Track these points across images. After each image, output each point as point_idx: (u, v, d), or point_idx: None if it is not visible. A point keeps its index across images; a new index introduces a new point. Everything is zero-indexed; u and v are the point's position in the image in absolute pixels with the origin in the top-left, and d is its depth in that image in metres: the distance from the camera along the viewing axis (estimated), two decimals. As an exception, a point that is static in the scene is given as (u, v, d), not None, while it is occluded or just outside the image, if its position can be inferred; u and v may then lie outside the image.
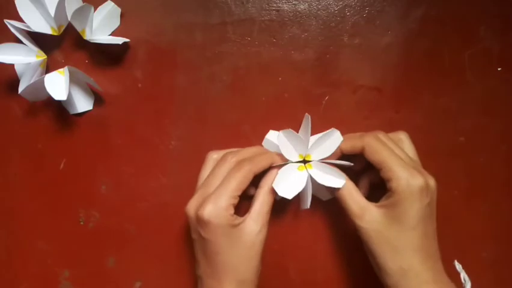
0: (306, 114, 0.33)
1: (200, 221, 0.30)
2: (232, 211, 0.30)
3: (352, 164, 0.33)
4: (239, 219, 0.31)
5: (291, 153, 0.33)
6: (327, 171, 0.32)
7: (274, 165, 0.33)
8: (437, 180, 0.37)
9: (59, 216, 0.39)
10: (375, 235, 0.30)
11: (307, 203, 0.33)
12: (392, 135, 0.33)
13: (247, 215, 0.31)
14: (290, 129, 0.32)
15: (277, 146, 0.33)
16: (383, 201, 0.31)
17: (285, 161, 0.33)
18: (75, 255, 0.39)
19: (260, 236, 0.31)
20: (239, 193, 0.31)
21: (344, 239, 0.37)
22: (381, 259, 0.30)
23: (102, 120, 0.39)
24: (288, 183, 0.32)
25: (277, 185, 0.32)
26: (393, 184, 0.29)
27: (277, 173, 0.32)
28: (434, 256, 0.30)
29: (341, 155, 0.33)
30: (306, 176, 0.33)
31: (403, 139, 0.33)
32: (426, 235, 0.30)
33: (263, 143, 0.37)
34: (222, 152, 0.34)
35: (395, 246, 0.29)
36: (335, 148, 0.32)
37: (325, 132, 0.32)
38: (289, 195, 0.32)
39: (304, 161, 0.34)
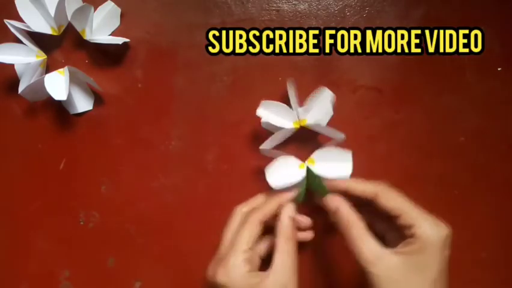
0: (289, 80, 0.33)
1: (216, 285, 0.29)
2: (246, 268, 0.29)
3: (343, 136, 0.32)
4: (259, 276, 0.29)
5: (284, 122, 0.32)
6: (331, 157, 0.32)
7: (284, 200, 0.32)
8: (437, 180, 0.37)
9: (59, 216, 0.39)
10: (390, 284, 0.27)
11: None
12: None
13: (268, 270, 0.29)
14: (267, 101, 0.32)
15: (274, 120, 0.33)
16: (401, 248, 0.29)
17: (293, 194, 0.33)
18: (75, 255, 0.39)
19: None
20: (249, 246, 0.29)
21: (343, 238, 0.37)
22: None
23: (102, 120, 0.39)
24: (283, 175, 0.32)
25: (270, 173, 0.31)
26: (417, 231, 0.28)
27: (289, 215, 0.31)
28: None
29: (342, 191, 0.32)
30: (303, 175, 0.33)
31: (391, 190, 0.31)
32: (444, 287, 0.28)
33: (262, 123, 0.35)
34: (247, 205, 0.33)
35: None
36: (329, 105, 0.32)
37: (314, 93, 0.32)
38: (276, 185, 0.31)
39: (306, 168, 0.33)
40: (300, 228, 0.34)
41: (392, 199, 0.30)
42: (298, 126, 0.33)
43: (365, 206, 0.31)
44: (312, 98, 0.32)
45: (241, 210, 0.33)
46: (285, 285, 0.28)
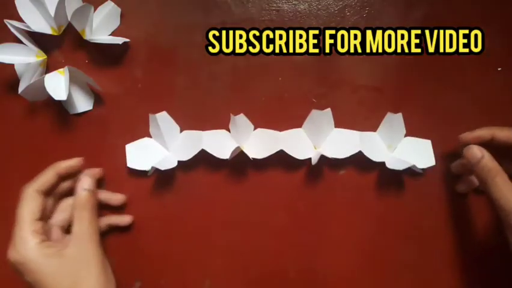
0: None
1: (13, 268, 0.28)
2: (37, 239, 0.29)
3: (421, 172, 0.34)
4: (56, 245, 0.29)
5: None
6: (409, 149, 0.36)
7: (73, 169, 0.34)
8: (437, 180, 0.37)
9: (59, 216, 0.39)
10: None
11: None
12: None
13: (67, 238, 0.30)
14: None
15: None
16: None
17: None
18: (75, 255, 0.39)
19: (86, 253, 0.29)
20: (34, 217, 0.30)
21: (344, 238, 0.37)
22: None
23: (102, 120, 0.39)
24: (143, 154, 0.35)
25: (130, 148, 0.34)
26: None
27: (84, 187, 0.32)
28: None
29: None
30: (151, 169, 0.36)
31: None
32: None
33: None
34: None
35: None
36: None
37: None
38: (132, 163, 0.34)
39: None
40: (112, 206, 0.36)
41: None
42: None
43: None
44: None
45: (26, 187, 0.33)
46: (84, 248, 0.29)
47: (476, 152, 0.31)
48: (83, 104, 0.38)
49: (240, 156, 0.37)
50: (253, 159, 0.35)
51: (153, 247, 0.38)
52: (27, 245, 0.28)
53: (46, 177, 0.32)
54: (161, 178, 0.38)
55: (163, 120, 0.36)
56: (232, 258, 0.37)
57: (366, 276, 0.37)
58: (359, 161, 0.36)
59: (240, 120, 0.35)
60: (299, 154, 0.36)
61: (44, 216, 0.31)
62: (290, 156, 0.36)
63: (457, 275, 0.36)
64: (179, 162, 0.36)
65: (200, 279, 0.37)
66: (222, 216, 0.38)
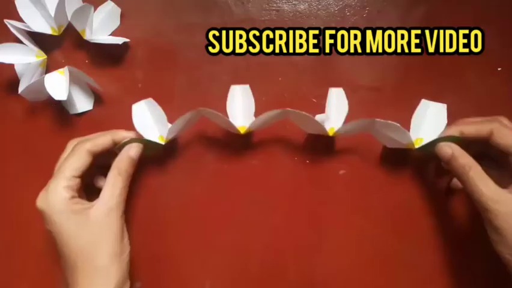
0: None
1: (40, 213, 0.29)
2: (68, 194, 0.29)
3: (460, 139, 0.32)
4: (83, 203, 0.29)
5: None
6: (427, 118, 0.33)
7: (124, 141, 0.32)
8: (437, 179, 0.37)
9: (59, 216, 0.39)
10: (510, 220, 0.28)
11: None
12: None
13: (96, 200, 0.30)
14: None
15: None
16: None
17: (140, 137, 0.33)
18: (75, 255, 0.39)
19: (111, 217, 0.29)
20: (74, 173, 0.29)
21: (344, 238, 0.37)
22: None
23: (102, 120, 0.39)
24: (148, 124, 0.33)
25: (139, 112, 0.32)
26: None
27: (129, 154, 0.32)
28: None
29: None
30: (160, 144, 0.34)
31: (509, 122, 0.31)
32: None
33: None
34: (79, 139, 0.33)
35: None
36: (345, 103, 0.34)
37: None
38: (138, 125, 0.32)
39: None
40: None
41: (506, 136, 0.29)
42: (332, 133, 0.33)
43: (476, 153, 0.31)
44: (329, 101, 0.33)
45: (74, 141, 0.32)
46: (109, 213, 0.29)
47: (446, 149, 0.31)
48: (83, 104, 0.38)
49: (239, 156, 0.37)
50: (253, 161, 0.35)
51: (153, 247, 0.38)
52: (58, 197, 0.28)
53: (102, 140, 0.31)
54: (161, 178, 0.38)
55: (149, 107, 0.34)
56: (233, 258, 0.37)
57: (366, 276, 0.37)
58: (359, 160, 0.36)
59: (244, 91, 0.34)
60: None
61: (83, 176, 0.31)
62: (290, 156, 0.36)
63: (457, 275, 0.36)
64: (179, 158, 0.36)
65: (200, 280, 0.37)
66: (222, 216, 0.38)
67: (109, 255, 0.29)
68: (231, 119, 0.34)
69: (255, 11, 0.38)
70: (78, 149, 0.30)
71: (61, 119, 0.39)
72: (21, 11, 0.36)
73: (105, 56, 0.39)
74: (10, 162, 0.39)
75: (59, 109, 0.39)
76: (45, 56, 0.38)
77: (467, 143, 0.31)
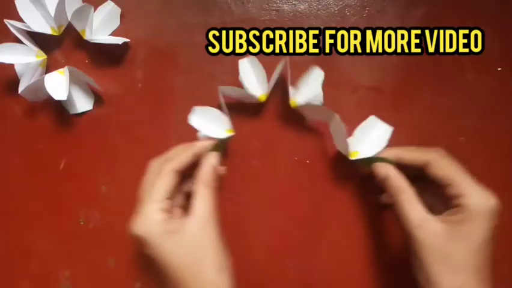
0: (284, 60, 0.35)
1: (136, 239, 0.28)
2: (162, 216, 0.29)
3: (337, 116, 0.33)
4: (176, 222, 0.29)
5: (253, 86, 0.35)
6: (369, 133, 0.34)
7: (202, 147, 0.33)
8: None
9: (59, 216, 0.39)
10: (433, 250, 0.28)
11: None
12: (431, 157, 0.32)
13: (188, 215, 0.29)
14: (255, 58, 0.35)
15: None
16: (447, 216, 0.29)
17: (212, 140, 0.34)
18: (75, 255, 0.39)
19: (207, 231, 0.29)
20: (165, 195, 0.29)
21: (344, 239, 0.37)
22: (435, 276, 0.28)
23: (102, 120, 0.39)
24: (210, 126, 0.34)
25: (198, 115, 0.34)
26: (466, 201, 0.28)
27: (211, 164, 0.32)
28: (487, 280, 0.28)
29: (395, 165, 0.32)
30: (225, 136, 0.34)
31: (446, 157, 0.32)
32: (486, 258, 0.28)
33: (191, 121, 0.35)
34: (162, 158, 0.33)
35: (454, 264, 0.28)
36: (318, 85, 0.34)
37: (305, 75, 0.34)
38: (204, 131, 0.33)
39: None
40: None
41: (443, 168, 0.30)
42: (294, 105, 0.34)
43: (415, 175, 0.31)
44: (303, 79, 0.33)
45: (156, 162, 0.32)
46: (204, 227, 0.29)
47: (382, 170, 0.32)
48: (83, 104, 0.38)
49: (239, 156, 0.37)
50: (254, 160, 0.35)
51: (153, 247, 0.38)
52: (153, 220, 0.28)
53: (185, 157, 0.32)
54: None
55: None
56: (233, 258, 0.37)
57: (366, 276, 0.37)
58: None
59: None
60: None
61: (171, 196, 0.31)
62: (290, 156, 0.36)
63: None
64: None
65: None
66: (222, 216, 0.38)
67: (212, 270, 0.28)
68: (248, 91, 0.35)
69: (255, 11, 0.38)
70: (164, 170, 0.30)
71: (61, 119, 0.39)
72: (21, 11, 0.36)
73: (105, 56, 0.39)
74: (10, 162, 0.39)
75: (59, 109, 0.39)
76: (45, 56, 0.38)
77: (404, 167, 0.32)
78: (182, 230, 0.28)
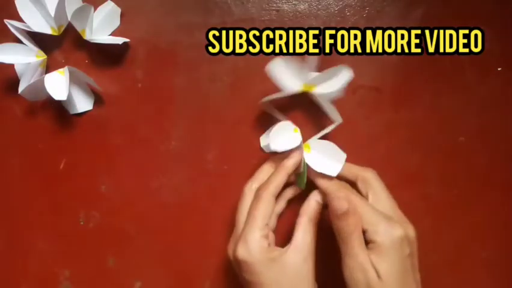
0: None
1: (237, 263, 0.30)
2: (265, 243, 0.29)
3: (341, 120, 0.34)
4: (278, 250, 0.30)
5: (293, 81, 0.33)
6: (326, 151, 0.33)
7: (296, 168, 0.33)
8: (438, 180, 0.37)
9: (59, 216, 0.39)
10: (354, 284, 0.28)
11: (303, 180, 0.33)
12: (361, 174, 0.33)
13: (288, 245, 0.30)
14: (286, 57, 0.31)
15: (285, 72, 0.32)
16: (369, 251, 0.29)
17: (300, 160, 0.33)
18: (75, 255, 0.39)
19: (307, 265, 0.29)
20: (266, 222, 0.30)
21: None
22: None
23: (102, 120, 0.39)
24: (280, 138, 0.32)
25: (267, 137, 0.32)
26: (372, 237, 0.28)
27: (317, 200, 0.32)
28: None
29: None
30: (299, 138, 0.32)
31: (373, 180, 0.32)
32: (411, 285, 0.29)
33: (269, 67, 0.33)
34: (255, 181, 0.33)
35: None
36: (344, 84, 0.33)
37: (334, 68, 0.32)
38: (278, 147, 0.32)
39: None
40: None
41: (356, 202, 0.30)
42: (306, 89, 0.33)
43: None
44: (330, 70, 0.32)
45: (251, 187, 0.33)
46: (305, 260, 0.29)
47: (343, 205, 0.29)
48: (83, 104, 0.38)
49: (239, 156, 0.37)
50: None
51: (153, 247, 0.38)
52: (257, 247, 0.29)
53: (281, 180, 0.32)
54: (161, 179, 0.38)
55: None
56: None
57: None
58: (358, 161, 0.36)
59: None
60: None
61: (269, 221, 0.31)
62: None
63: (457, 276, 0.36)
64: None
65: (200, 280, 0.37)
66: (222, 216, 0.38)
67: None
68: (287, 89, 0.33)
69: (255, 11, 0.38)
70: (265, 196, 0.31)
71: (61, 119, 0.39)
72: (21, 11, 0.36)
73: (105, 56, 0.39)
74: (10, 162, 0.39)
75: (59, 109, 0.39)
76: (45, 56, 0.38)
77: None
78: (283, 260, 0.29)
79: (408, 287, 0.28)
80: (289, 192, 0.35)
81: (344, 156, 0.32)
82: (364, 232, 0.29)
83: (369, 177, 0.32)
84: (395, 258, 0.28)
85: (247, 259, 0.29)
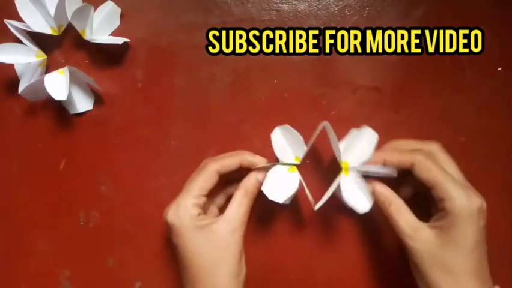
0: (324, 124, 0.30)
1: (167, 226, 0.30)
2: (196, 211, 0.30)
3: (395, 175, 0.31)
4: (208, 219, 0.30)
5: (286, 154, 0.32)
6: (359, 186, 0.31)
7: (254, 166, 0.32)
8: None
9: (59, 216, 0.39)
10: (428, 258, 0.28)
11: (318, 204, 0.31)
12: (425, 148, 0.31)
13: (220, 216, 0.31)
14: (287, 126, 0.31)
15: (285, 143, 0.32)
16: (435, 222, 0.29)
17: (271, 163, 0.33)
18: (75, 255, 0.39)
19: (234, 236, 0.30)
20: (202, 193, 0.31)
21: (344, 239, 0.37)
22: (435, 283, 0.28)
23: (102, 120, 0.39)
24: (278, 185, 0.32)
25: (266, 188, 0.31)
26: (449, 204, 0.28)
27: (257, 177, 0.32)
28: (488, 281, 0.29)
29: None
30: (298, 178, 0.32)
31: (439, 153, 0.31)
32: (481, 259, 0.28)
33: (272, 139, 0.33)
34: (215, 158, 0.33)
35: (451, 270, 0.28)
36: (372, 149, 0.31)
37: (354, 132, 0.31)
38: (280, 199, 0.31)
39: (296, 165, 0.33)
40: None
41: (426, 170, 0.29)
42: (298, 161, 0.33)
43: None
44: (352, 137, 0.31)
45: (207, 160, 0.33)
46: (233, 231, 0.30)
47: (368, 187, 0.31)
48: (83, 104, 0.38)
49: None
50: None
51: (153, 247, 0.38)
52: (187, 213, 0.30)
53: (230, 162, 0.32)
54: (161, 179, 0.38)
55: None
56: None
57: (366, 277, 0.37)
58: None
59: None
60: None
61: (210, 194, 0.32)
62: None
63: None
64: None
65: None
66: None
67: (228, 275, 0.29)
68: (284, 160, 0.33)
69: (255, 11, 0.38)
70: (207, 168, 0.31)
71: (61, 119, 0.39)
72: (21, 11, 0.36)
73: (105, 56, 0.39)
74: (10, 162, 0.39)
75: (59, 109, 0.39)
76: (45, 56, 0.38)
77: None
78: (210, 229, 0.29)
79: (482, 258, 0.28)
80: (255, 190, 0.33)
81: (371, 202, 0.30)
82: (440, 200, 0.29)
83: (434, 151, 0.31)
84: (473, 228, 0.28)
85: (175, 223, 0.29)
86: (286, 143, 0.32)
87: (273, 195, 0.31)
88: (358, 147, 0.32)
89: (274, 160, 0.33)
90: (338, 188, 0.31)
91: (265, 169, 0.32)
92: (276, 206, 0.37)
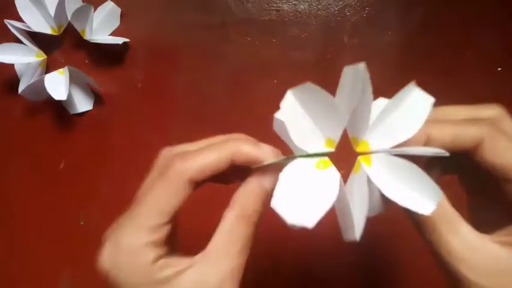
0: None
1: (103, 275, 0.18)
2: (152, 255, 0.17)
3: (447, 154, 0.17)
4: (175, 265, 0.18)
5: (310, 137, 0.19)
6: (405, 177, 0.18)
7: (256, 164, 0.19)
8: (437, 179, 0.37)
9: (59, 216, 0.39)
10: None
11: (354, 229, 0.18)
12: (482, 115, 0.20)
13: (198, 255, 0.18)
14: (310, 84, 0.18)
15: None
16: (505, 236, 0.18)
17: (281, 156, 0.19)
18: (75, 255, 0.39)
19: (221, 279, 0.17)
20: (164, 219, 0.18)
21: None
22: None
23: (102, 120, 0.39)
24: (302, 196, 0.18)
25: (279, 202, 0.17)
26: None
27: (262, 184, 0.19)
28: None
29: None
30: (337, 177, 0.19)
31: (504, 119, 0.19)
32: None
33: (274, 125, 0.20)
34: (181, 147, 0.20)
35: None
36: (419, 127, 0.19)
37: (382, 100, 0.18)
38: (308, 220, 0.17)
39: (329, 153, 0.19)
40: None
41: (501, 150, 0.18)
42: (332, 147, 0.20)
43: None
44: (386, 105, 0.19)
45: (169, 154, 0.21)
46: (222, 282, 0.17)
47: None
48: (83, 104, 0.38)
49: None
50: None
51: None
52: (136, 261, 0.17)
53: (213, 160, 0.19)
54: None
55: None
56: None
57: (365, 277, 0.37)
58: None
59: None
60: None
61: (176, 215, 0.19)
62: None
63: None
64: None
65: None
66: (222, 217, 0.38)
67: None
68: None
69: (255, 10, 0.38)
70: (175, 177, 0.18)
71: (61, 119, 0.39)
72: (21, 11, 0.36)
73: (105, 56, 0.39)
74: (10, 162, 0.39)
75: (59, 109, 0.39)
76: (45, 56, 0.38)
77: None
78: (181, 283, 0.17)
79: None
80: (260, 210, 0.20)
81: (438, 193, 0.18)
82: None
83: (496, 117, 0.19)
84: None
85: (115, 275, 0.17)
86: (309, 116, 0.19)
87: (294, 214, 0.17)
88: (396, 119, 0.19)
89: (286, 152, 0.20)
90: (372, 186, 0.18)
91: (276, 168, 0.19)
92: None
